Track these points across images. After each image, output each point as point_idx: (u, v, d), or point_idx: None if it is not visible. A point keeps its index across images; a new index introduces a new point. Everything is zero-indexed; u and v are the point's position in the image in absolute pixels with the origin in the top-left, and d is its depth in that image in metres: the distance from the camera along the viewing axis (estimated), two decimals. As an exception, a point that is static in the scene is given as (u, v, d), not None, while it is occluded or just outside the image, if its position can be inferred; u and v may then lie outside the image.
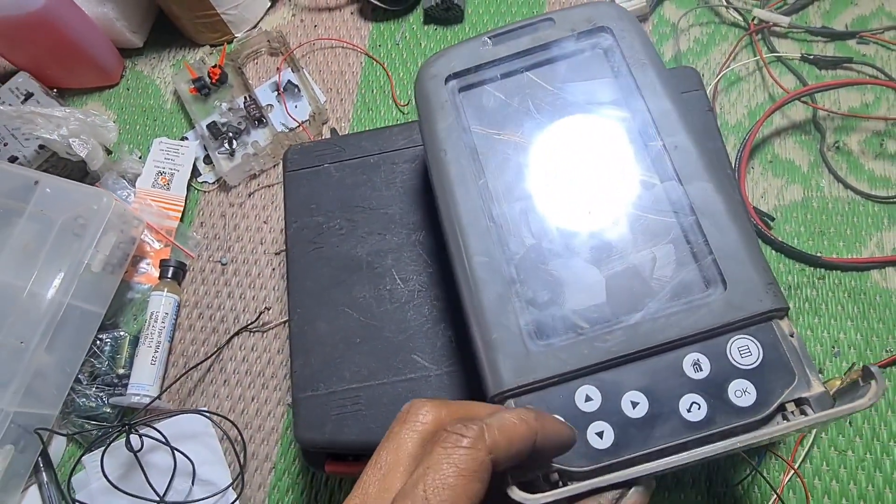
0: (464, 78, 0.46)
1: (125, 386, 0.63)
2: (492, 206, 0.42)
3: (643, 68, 0.44)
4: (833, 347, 0.57)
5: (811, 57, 0.65)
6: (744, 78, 0.67)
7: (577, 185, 0.42)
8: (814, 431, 0.54)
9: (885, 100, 0.63)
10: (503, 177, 0.43)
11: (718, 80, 0.66)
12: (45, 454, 0.61)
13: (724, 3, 0.69)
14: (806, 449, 0.54)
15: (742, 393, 0.36)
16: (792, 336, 0.37)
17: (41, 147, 0.68)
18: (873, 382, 0.33)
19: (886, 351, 0.56)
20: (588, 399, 0.37)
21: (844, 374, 0.54)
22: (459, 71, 0.46)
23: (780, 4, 0.68)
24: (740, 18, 0.69)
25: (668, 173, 0.41)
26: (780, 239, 0.60)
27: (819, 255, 0.59)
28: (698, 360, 0.37)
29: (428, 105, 0.46)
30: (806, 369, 0.36)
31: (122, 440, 0.58)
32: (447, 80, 0.46)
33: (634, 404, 0.36)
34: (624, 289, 0.39)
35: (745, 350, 0.37)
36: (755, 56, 0.67)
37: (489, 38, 0.47)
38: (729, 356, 0.37)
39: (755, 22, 0.67)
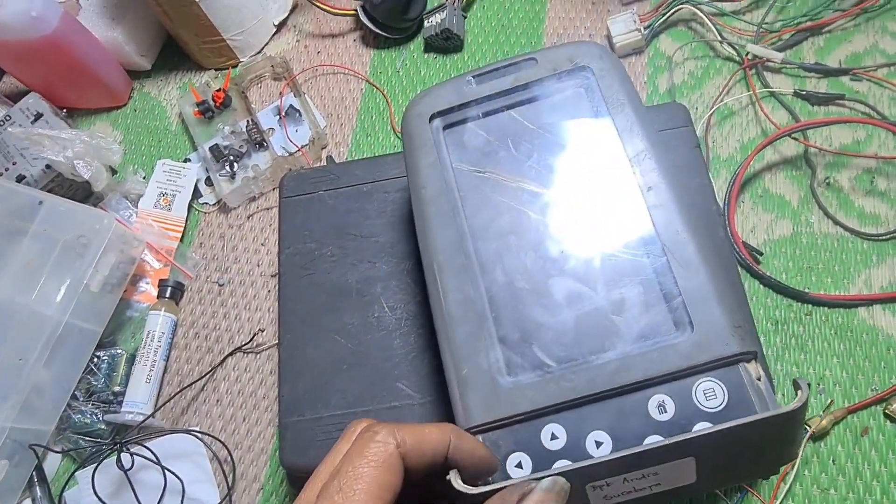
0: (447, 116, 0.48)
1: (120, 403, 0.64)
2: (468, 244, 0.43)
3: (621, 108, 0.45)
4: (818, 384, 0.57)
5: (804, 93, 0.65)
6: (737, 112, 0.67)
7: (552, 222, 0.43)
8: (794, 468, 0.54)
9: (876, 137, 0.64)
10: (481, 214, 0.44)
11: (712, 114, 0.67)
12: (39, 469, 0.62)
13: (719, 38, 0.69)
14: (787, 486, 0.54)
15: (706, 429, 0.36)
16: (759, 380, 0.37)
17: (47, 167, 0.70)
18: (799, 392, 0.34)
19: (871, 389, 0.56)
20: (554, 437, 0.37)
21: (824, 412, 0.55)
22: (443, 109, 0.48)
23: (775, 40, 0.69)
24: (734, 53, 0.69)
25: (642, 214, 0.41)
26: (768, 274, 0.60)
27: (807, 290, 0.59)
28: (663, 401, 0.37)
29: (412, 142, 0.47)
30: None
31: (114, 458, 0.60)
32: (431, 118, 0.47)
33: (598, 444, 0.37)
34: (592, 328, 0.40)
35: (710, 393, 0.37)
36: (748, 91, 0.67)
37: (473, 77, 0.48)
38: (694, 399, 0.37)
39: (749, 57, 0.68)
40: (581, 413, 0.38)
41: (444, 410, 0.52)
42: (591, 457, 0.36)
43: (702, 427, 0.36)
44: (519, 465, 0.37)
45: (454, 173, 0.45)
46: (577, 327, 0.40)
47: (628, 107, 0.45)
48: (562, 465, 0.36)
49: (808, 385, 0.35)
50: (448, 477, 0.34)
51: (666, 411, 0.37)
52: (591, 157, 0.44)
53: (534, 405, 0.38)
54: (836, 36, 0.68)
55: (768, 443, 0.35)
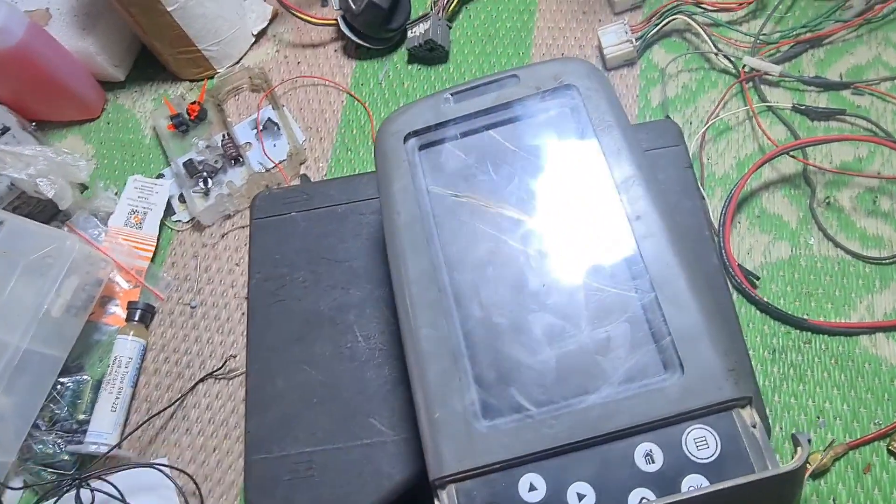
0: (424, 136, 0.45)
1: (84, 432, 0.61)
2: (443, 275, 0.40)
3: (609, 130, 0.42)
4: (818, 417, 0.54)
5: (803, 107, 0.63)
6: (733, 128, 0.65)
7: (533, 253, 0.40)
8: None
9: (878, 155, 0.61)
10: (457, 243, 0.41)
11: (706, 130, 0.64)
12: (-3, 503, 0.59)
13: (714, 50, 0.66)
14: (786, 527, 0.51)
15: (696, 490, 0.33)
16: (754, 427, 0.34)
17: (12, 185, 0.67)
18: (799, 449, 0.32)
19: (875, 423, 0.53)
20: (532, 488, 0.35)
21: (824, 449, 0.52)
22: (419, 129, 0.45)
23: (773, 52, 0.66)
24: (730, 66, 0.66)
25: (630, 245, 0.38)
26: (765, 299, 0.57)
27: (806, 317, 0.56)
28: (651, 450, 0.34)
29: (386, 163, 0.44)
30: (767, 464, 0.34)
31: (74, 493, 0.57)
32: (406, 137, 0.45)
33: (581, 496, 0.34)
34: (575, 369, 0.37)
35: (701, 442, 0.34)
36: (745, 105, 0.64)
37: (451, 94, 0.45)
38: (684, 448, 0.34)
39: (745, 70, 0.65)
40: (562, 462, 0.35)
41: (419, 449, 0.48)
42: (573, 513, 0.33)
43: (694, 483, 0.33)
44: (495, 519, 0.34)
45: (429, 198, 0.42)
46: (558, 368, 0.37)
47: (616, 129, 0.42)
48: None
49: (809, 441, 0.32)
50: None
51: (654, 461, 0.34)
52: (576, 182, 0.41)
53: (511, 453, 0.35)
54: (837, 48, 0.65)
55: (767, 500, 0.32)
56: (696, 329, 0.36)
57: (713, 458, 0.34)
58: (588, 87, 0.43)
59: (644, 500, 0.33)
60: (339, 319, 0.53)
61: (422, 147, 0.44)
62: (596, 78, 0.44)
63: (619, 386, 0.36)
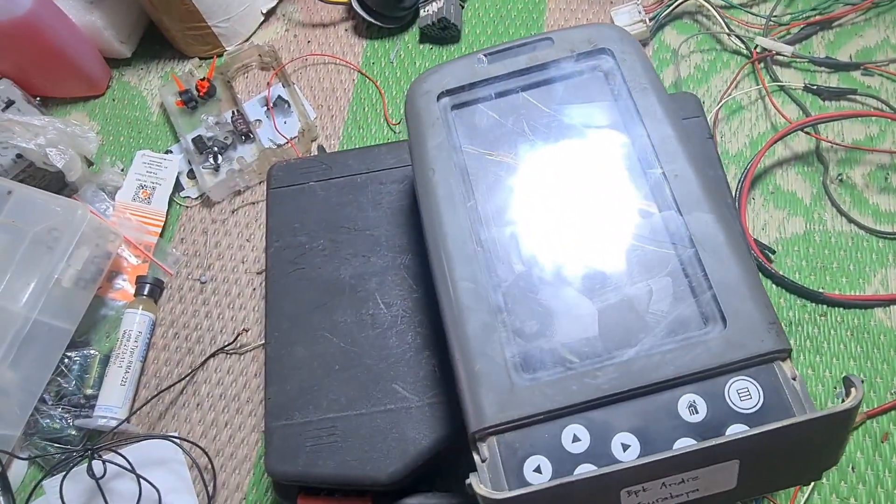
0: (457, 95, 0.45)
1: (92, 407, 0.60)
2: (480, 230, 0.40)
3: (644, 92, 0.42)
4: (835, 388, 0.54)
5: (814, 87, 0.63)
6: (745, 107, 0.65)
7: (570, 210, 0.40)
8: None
9: (889, 133, 0.62)
10: (493, 199, 0.41)
11: (719, 108, 0.64)
12: (3, 477, 0.57)
13: (727, 31, 0.67)
14: (806, 495, 0.51)
15: (739, 434, 0.33)
16: (794, 379, 0.35)
17: (18, 156, 0.65)
18: (853, 390, 0.32)
19: (891, 393, 0.53)
20: (576, 439, 0.34)
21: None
22: (453, 88, 0.44)
23: (784, 34, 0.67)
24: (742, 46, 0.67)
25: (668, 202, 0.39)
26: (780, 273, 0.57)
27: (821, 290, 0.57)
28: (694, 401, 0.34)
29: (418, 122, 0.44)
30: (808, 414, 0.34)
31: (85, 465, 0.55)
32: (440, 96, 0.44)
33: (625, 447, 0.34)
34: (617, 322, 0.37)
35: (744, 393, 0.34)
36: (757, 85, 0.65)
37: (485, 55, 0.45)
38: (727, 399, 0.34)
39: (758, 50, 0.65)
40: (606, 413, 0.35)
41: (444, 413, 0.48)
42: (618, 460, 0.33)
43: (743, 428, 0.33)
44: (538, 470, 0.34)
45: (464, 156, 0.42)
46: (600, 321, 0.37)
47: (651, 91, 0.42)
48: (588, 469, 0.32)
49: (862, 382, 0.32)
50: (468, 481, 0.30)
51: (697, 412, 0.34)
52: (613, 142, 0.41)
53: (554, 404, 0.35)
54: (846, 30, 0.67)
55: (815, 446, 0.33)
56: (737, 283, 0.36)
57: (756, 408, 0.34)
58: (623, 50, 0.43)
59: (687, 445, 0.33)
60: (359, 287, 0.53)
61: (454, 107, 0.44)
62: (629, 42, 0.44)
63: (662, 338, 0.36)
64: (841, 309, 0.57)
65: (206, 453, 0.58)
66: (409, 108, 0.45)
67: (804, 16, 0.67)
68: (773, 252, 0.59)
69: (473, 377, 0.36)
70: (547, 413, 0.35)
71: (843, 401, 0.31)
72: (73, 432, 0.60)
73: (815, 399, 0.54)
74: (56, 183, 0.69)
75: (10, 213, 0.60)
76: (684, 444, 0.33)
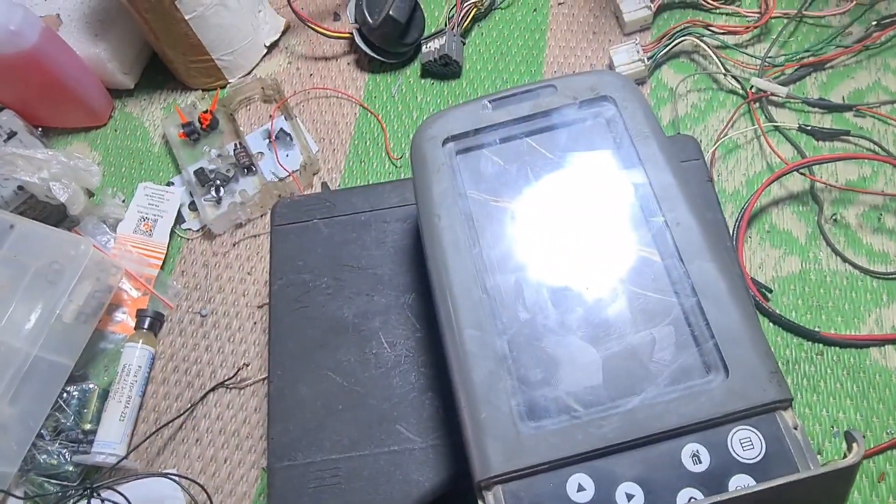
0: (462, 141, 0.45)
1: (91, 443, 0.60)
2: (485, 277, 0.40)
3: (646, 140, 0.43)
4: (832, 427, 0.55)
5: (808, 128, 0.65)
6: (742, 146, 0.66)
7: (575, 258, 0.41)
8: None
9: (882, 174, 0.63)
10: (499, 246, 0.42)
11: (716, 148, 0.66)
12: (-1, 515, 0.57)
13: (723, 71, 0.68)
14: (804, 536, 0.51)
15: (744, 489, 0.34)
16: (796, 429, 0.35)
17: (20, 188, 0.65)
18: (854, 445, 0.32)
19: (887, 433, 0.54)
20: (581, 489, 0.35)
21: (843, 456, 0.53)
22: (458, 134, 0.45)
23: (778, 74, 0.68)
24: (738, 86, 0.68)
25: (670, 250, 0.39)
26: (777, 312, 0.58)
27: (817, 329, 0.57)
28: (697, 451, 0.35)
29: (424, 167, 0.45)
30: (810, 465, 0.34)
31: (84, 503, 0.55)
32: (445, 142, 0.45)
33: (630, 496, 0.34)
34: (621, 371, 0.37)
35: (747, 443, 0.35)
36: (753, 125, 0.66)
37: (489, 101, 0.46)
38: (730, 449, 0.35)
39: (753, 91, 0.67)
40: (610, 462, 0.35)
41: (448, 455, 0.48)
42: (624, 512, 0.33)
43: (742, 483, 0.33)
44: (544, 521, 0.34)
45: (469, 201, 0.43)
46: (604, 369, 0.37)
47: (652, 139, 0.43)
48: None
49: (864, 437, 0.33)
50: None
51: (700, 462, 0.35)
52: (615, 189, 0.42)
53: (559, 453, 0.35)
54: (838, 72, 0.68)
55: (817, 499, 0.33)
56: (739, 332, 0.37)
57: (759, 458, 0.34)
58: (624, 98, 0.44)
59: (692, 500, 0.34)
60: (363, 326, 0.53)
61: (459, 152, 0.45)
62: (631, 90, 0.45)
63: (665, 387, 0.36)
64: (837, 348, 0.57)
65: (205, 490, 0.58)
66: (414, 152, 0.45)
67: (797, 57, 0.68)
68: (770, 291, 0.60)
69: (479, 425, 0.36)
70: (552, 462, 0.35)
71: (844, 456, 0.32)
72: (71, 468, 0.60)
73: (812, 439, 0.54)
74: (57, 215, 0.69)
75: (12, 248, 0.60)
76: (688, 494, 0.34)
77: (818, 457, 0.35)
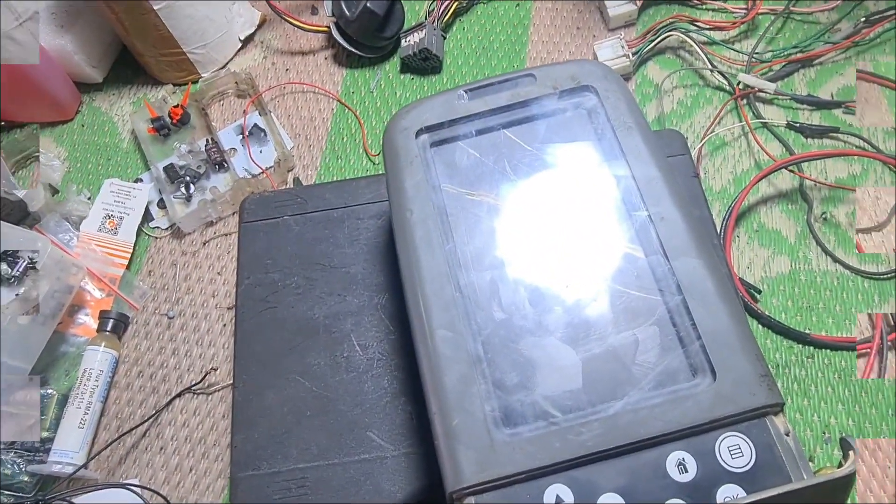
0: (436, 132, 0.43)
1: (47, 451, 0.56)
2: (459, 274, 0.38)
3: (629, 132, 0.41)
4: (824, 433, 0.53)
5: (797, 125, 0.63)
6: (729, 143, 0.65)
7: (553, 255, 0.39)
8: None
9: (872, 172, 0.61)
10: (473, 242, 0.39)
11: (703, 145, 0.64)
12: (-52, 529, 0.54)
13: (709, 67, 0.67)
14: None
15: (733, 501, 0.32)
16: (787, 435, 0.33)
17: (-22, 184, 0.63)
18: (851, 453, 0.31)
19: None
20: (559, 500, 0.32)
21: (839, 464, 0.51)
22: (432, 125, 0.43)
23: (766, 71, 0.66)
24: (725, 82, 0.67)
25: (654, 246, 0.37)
26: (766, 313, 0.56)
27: (808, 331, 0.56)
28: (683, 459, 0.33)
29: (396, 159, 0.42)
30: (803, 474, 0.32)
31: (37, 516, 0.52)
32: (418, 133, 0.43)
33: (611, 508, 0.32)
34: (602, 374, 0.35)
35: (735, 450, 0.33)
36: (740, 121, 0.65)
37: (465, 91, 0.44)
38: (718, 456, 0.33)
39: (740, 87, 0.65)
40: (590, 472, 0.33)
41: (421, 465, 0.46)
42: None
43: (730, 493, 0.31)
44: (519, 535, 0.32)
45: (443, 195, 0.40)
46: (584, 373, 0.35)
47: (636, 131, 0.41)
48: None
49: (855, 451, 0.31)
50: None
51: (687, 471, 0.33)
52: (596, 182, 0.40)
53: (536, 463, 0.33)
54: (827, 68, 0.66)
55: (811, 510, 0.31)
56: (727, 333, 0.35)
57: (748, 467, 0.32)
58: (607, 88, 0.42)
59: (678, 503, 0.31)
60: (334, 328, 0.51)
61: (434, 144, 0.43)
62: (614, 80, 0.43)
63: (649, 391, 0.34)
64: (828, 351, 0.55)
65: (168, 501, 0.55)
66: (386, 144, 0.43)
67: (786, 53, 0.66)
68: (759, 291, 0.58)
69: (451, 433, 0.34)
70: (528, 472, 0.33)
71: (840, 464, 0.30)
72: (26, 479, 0.56)
73: (804, 445, 0.52)
74: (18, 212, 0.66)
75: (-35, 245, 0.57)
76: (677, 506, 0.32)
77: (810, 465, 0.32)
